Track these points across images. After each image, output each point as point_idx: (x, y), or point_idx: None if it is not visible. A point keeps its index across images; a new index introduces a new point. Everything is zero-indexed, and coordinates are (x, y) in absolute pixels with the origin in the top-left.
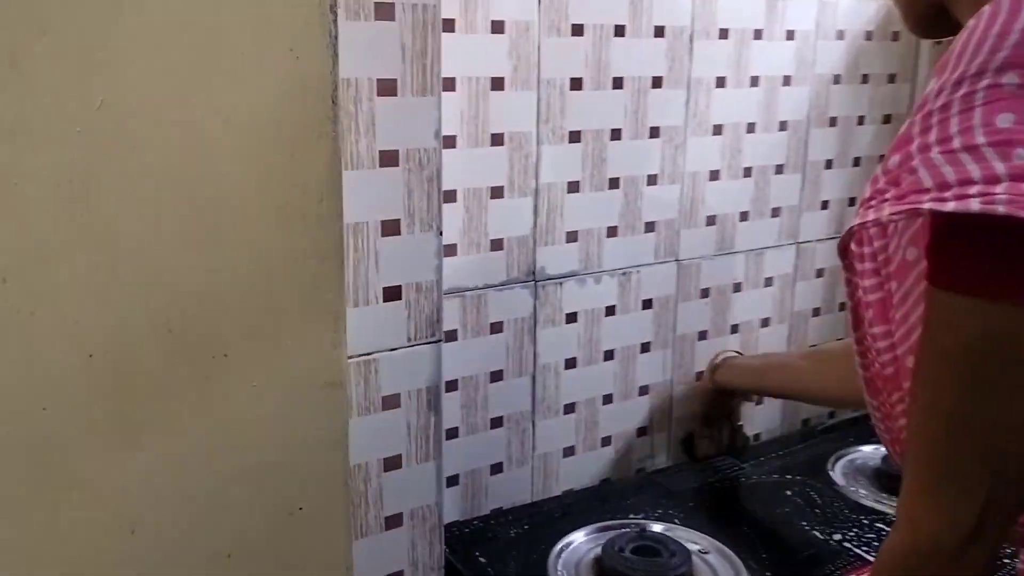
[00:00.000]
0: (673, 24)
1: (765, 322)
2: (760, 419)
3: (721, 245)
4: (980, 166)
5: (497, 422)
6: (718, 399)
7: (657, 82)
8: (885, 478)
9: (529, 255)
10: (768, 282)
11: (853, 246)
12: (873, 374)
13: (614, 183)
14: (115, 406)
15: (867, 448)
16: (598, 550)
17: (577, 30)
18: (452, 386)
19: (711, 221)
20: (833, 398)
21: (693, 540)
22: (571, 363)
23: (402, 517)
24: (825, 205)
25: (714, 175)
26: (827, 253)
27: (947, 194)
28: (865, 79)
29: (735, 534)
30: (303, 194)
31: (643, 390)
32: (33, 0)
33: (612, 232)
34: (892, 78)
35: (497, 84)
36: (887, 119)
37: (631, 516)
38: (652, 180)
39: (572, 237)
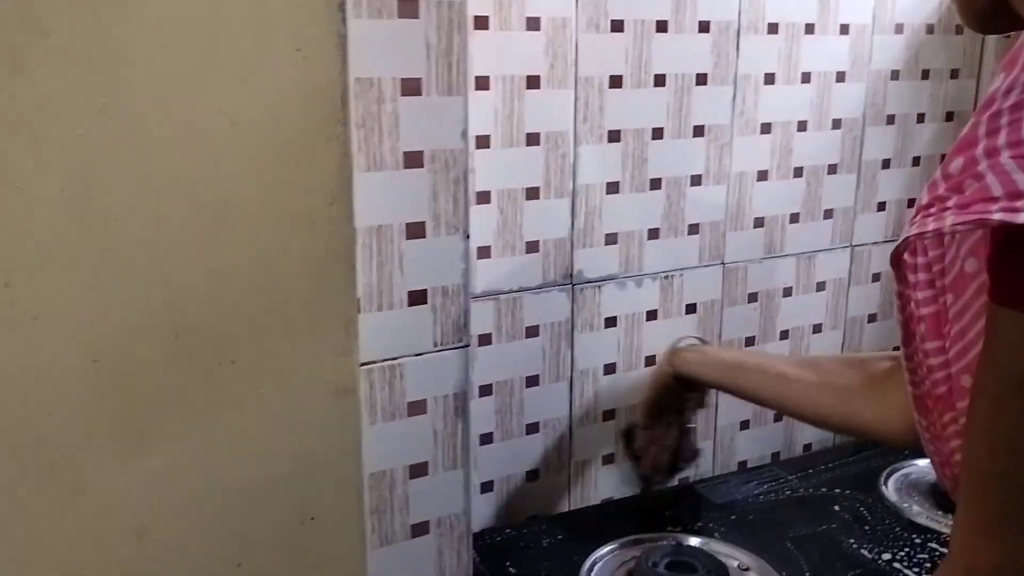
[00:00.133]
0: (719, 19)
1: (817, 328)
2: (811, 429)
3: (770, 248)
4: None
5: (533, 428)
6: (672, 390)
7: (702, 79)
8: (940, 495)
9: (566, 257)
10: (820, 287)
11: (907, 256)
12: (923, 392)
13: (656, 184)
14: (121, 411)
15: (922, 462)
16: (631, 564)
17: (617, 26)
18: (486, 391)
19: (759, 223)
20: (823, 418)
21: (732, 556)
22: (610, 368)
23: (428, 525)
24: (882, 207)
25: (762, 175)
26: (884, 256)
27: (1019, 203)
28: (926, 75)
29: (777, 551)
30: (312, 197)
31: None
32: (34, 1)
33: (654, 234)
34: (955, 74)
35: (533, 82)
36: (949, 116)
37: (669, 528)
38: (696, 181)
39: (611, 239)
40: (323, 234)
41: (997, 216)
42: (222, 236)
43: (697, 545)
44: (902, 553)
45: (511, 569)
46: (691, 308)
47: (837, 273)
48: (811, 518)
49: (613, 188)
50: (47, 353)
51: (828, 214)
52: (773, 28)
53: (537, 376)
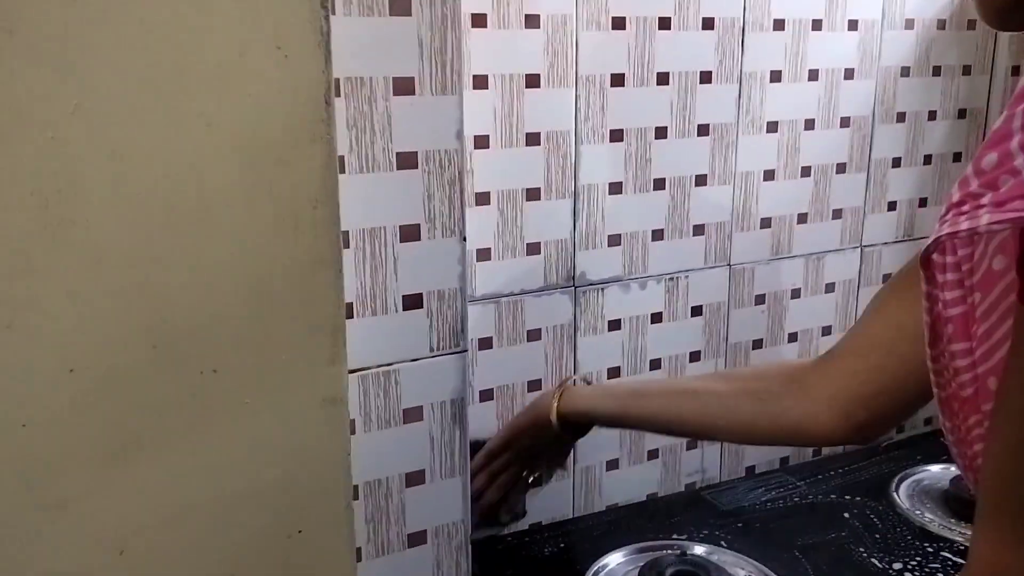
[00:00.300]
0: (723, 15)
1: (826, 330)
2: None
3: (777, 249)
4: None
5: None
6: (543, 433)
7: (706, 77)
8: (954, 501)
9: (568, 260)
10: (829, 288)
11: (935, 255)
12: (949, 394)
13: (659, 184)
14: (98, 423)
15: (936, 467)
16: (635, 573)
17: (618, 23)
18: (487, 395)
19: (766, 224)
20: (746, 429)
21: (739, 565)
22: (614, 372)
23: (426, 534)
24: (892, 206)
25: (769, 175)
26: (894, 257)
27: None
28: (937, 71)
29: (785, 560)
30: (296, 200)
31: None
32: None
33: (658, 235)
34: (967, 70)
35: (532, 81)
36: (961, 114)
37: (675, 536)
38: (701, 181)
39: (615, 241)
40: (307, 238)
41: None
42: (201, 242)
43: (703, 554)
44: (913, 563)
45: None
46: (697, 310)
47: (847, 274)
48: (820, 526)
49: (616, 188)
50: (21, 363)
51: (837, 214)
52: (779, 24)
53: (539, 380)
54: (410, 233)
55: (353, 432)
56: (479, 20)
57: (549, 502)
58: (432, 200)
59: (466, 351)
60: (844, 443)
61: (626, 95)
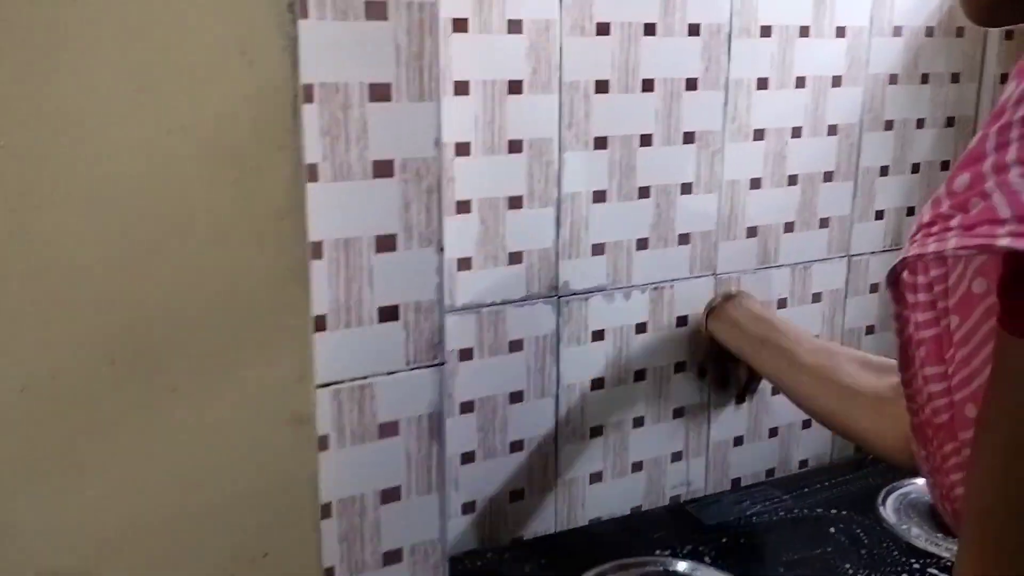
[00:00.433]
0: (709, 21)
1: None
2: (808, 444)
3: (764, 258)
4: None
5: (517, 446)
6: (716, 351)
7: (692, 84)
8: (941, 516)
9: (551, 269)
10: (816, 298)
11: (906, 275)
12: (923, 421)
13: (644, 192)
14: (52, 443)
15: (922, 481)
16: None
17: (603, 29)
18: (468, 408)
19: (752, 233)
20: (826, 416)
21: None
22: (598, 383)
23: (402, 553)
24: (880, 215)
25: (755, 183)
26: (882, 266)
27: None
28: (925, 79)
29: None
30: (261, 212)
31: (677, 412)
32: None
33: (643, 244)
34: (956, 78)
35: (515, 87)
36: (950, 122)
37: (657, 552)
38: (687, 189)
39: (599, 250)
40: (274, 251)
41: (1004, 241)
42: (162, 254)
43: (686, 571)
44: None
45: None
46: (682, 320)
47: (834, 284)
48: (805, 541)
49: (600, 197)
50: None
51: (824, 223)
52: (766, 31)
53: (521, 392)
54: (386, 243)
55: (326, 448)
56: (460, 25)
57: (531, 517)
58: (409, 210)
59: (444, 364)
60: (904, 467)
61: (610, 102)
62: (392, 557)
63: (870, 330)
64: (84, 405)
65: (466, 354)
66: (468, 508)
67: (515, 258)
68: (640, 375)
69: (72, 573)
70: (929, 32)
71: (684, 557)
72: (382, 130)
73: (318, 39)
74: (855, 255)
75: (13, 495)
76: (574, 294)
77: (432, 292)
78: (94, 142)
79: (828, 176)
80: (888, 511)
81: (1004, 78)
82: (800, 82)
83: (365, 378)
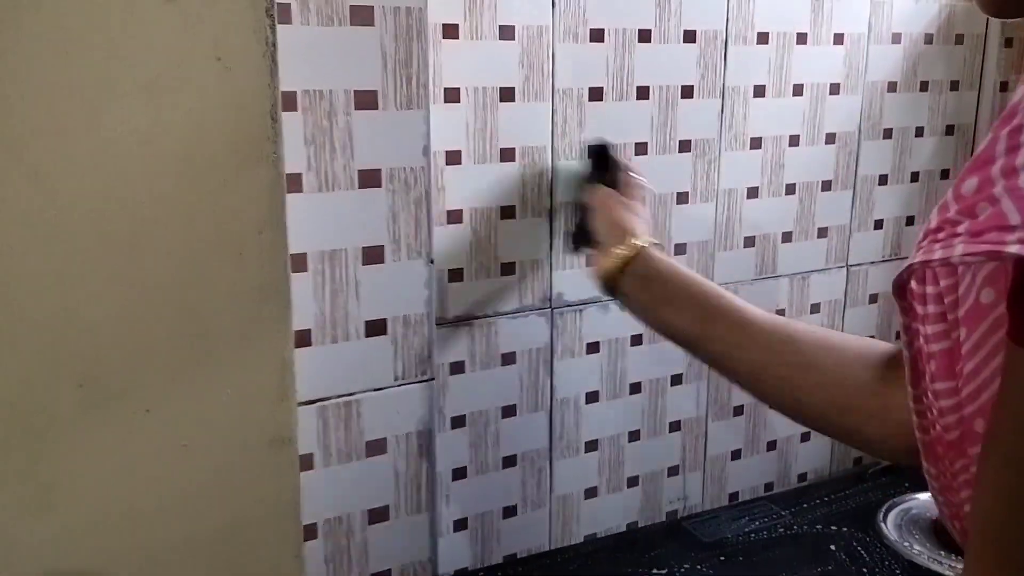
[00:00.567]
0: (705, 28)
1: None
2: (807, 457)
3: (762, 268)
4: None
5: (510, 461)
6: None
7: (687, 91)
8: (944, 533)
9: (545, 280)
10: (815, 308)
11: (914, 284)
12: (933, 438)
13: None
14: (19, 467)
15: (924, 496)
16: None
17: (596, 35)
18: (459, 422)
19: (750, 242)
20: (825, 428)
21: None
22: (592, 397)
23: (390, 574)
24: (879, 224)
25: (752, 192)
26: (880, 277)
27: None
28: (924, 87)
29: None
30: (239, 224)
31: (674, 426)
32: None
33: None
34: (955, 85)
35: (507, 95)
36: (949, 130)
37: (655, 570)
38: (683, 198)
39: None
40: (252, 265)
41: (1013, 248)
42: (133, 271)
43: None
44: None
45: None
46: None
47: (832, 294)
48: (805, 559)
49: None
50: None
51: (822, 232)
52: (763, 38)
53: (514, 406)
54: (373, 255)
55: (311, 467)
56: (450, 31)
57: (525, 533)
58: (397, 220)
59: (433, 379)
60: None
61: (605, 110)
62: None
63: None
64: (50, 431)
65: (458, 367)
66: (460, 525)
67: (508, 269)
68: (635, 388)
69: None
70: (928, 39)
71: (682, 575)
72: (369, 139)
73: (301, 45)
74: (854, 265)
75: None
76: (568, 305)
77: (421, 305)
78: (57, 154)
79: (826, 185)
80: (889, 527)
81: (1004, 86)
82: (798, 90)
83: (351, 394)
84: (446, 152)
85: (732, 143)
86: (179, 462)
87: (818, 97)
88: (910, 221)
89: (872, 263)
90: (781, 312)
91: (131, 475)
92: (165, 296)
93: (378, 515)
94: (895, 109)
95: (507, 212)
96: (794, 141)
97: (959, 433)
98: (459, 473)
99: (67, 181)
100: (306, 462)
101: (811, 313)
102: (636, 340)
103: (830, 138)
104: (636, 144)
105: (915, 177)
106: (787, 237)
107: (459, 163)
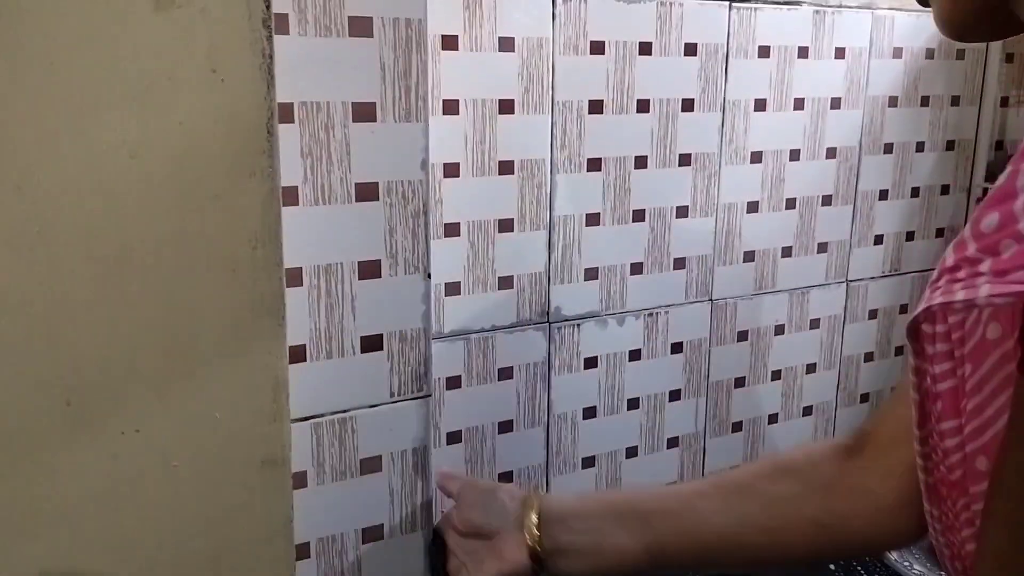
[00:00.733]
0: (706, 41)
1: (811, 368)
2: None
3: (761, 283)
4: None
5: (507, 477)
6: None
7: (688, 105)
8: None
9: (543, 294)
10: (814, 324)
11: (924, 326)
12: (937, 480)
13: (639, 215)
14: (6, 487)
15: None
16: None
17: (597, 48)
18: (455, 438)
19: (749, 257)
20: (782, 553)
21: None
22: (590, 412)
23: None
24: (879, 240)
25: (752, 207)
26: (880, 292)
27: None
28: (925, 102)
29: None
30: (233, 240)
31: (672, 442)
32: None
33: (637, 269)
34: (956, 100)
35: (506, 107)
36: (950, 145)
37: None
38: (682, 212)
39: (591, 274)
40: (246, 282)
41: None
42: (123, 288)
43: None
44: None
45: None
46: (677, 347)
47: (832, 310)
48: None
49: (593, 220)
50: None
51: (822, 248)
52: (764, 51)
53: (511, 421)
54: (370, 270)
55: (304, 484)
56: (450, 42)
57: None
58: (394, 234)
59: (429, 396)
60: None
61: (604, 122)
62: None
63: (868, 357)
64: (36, 450)
65: (454, 382)
66: None
67: (505, 283)
68: (633, 403)
69: None
70: (929, 54)
71: None
72: (366, 151)
73: (298, 56)
74: (854, 281)
75: None
76: (566, 320)
77: (418, 320)
78: (43, 166)
79: (827, 200)
80: None
81: (1005, 101)
82: (798, 104)
83: (346, 411)
84: (444, 164)
85: (732, 157)
86: (169, 483)
87: (819, 111)
88: (910, 236)
89: (872, 278)
90: (781, 327)
91: (120, 496)
92: (155, 312)
93: (372, 534)
94: (896, 124)
95: (505, 225)
96: (794, 155)
97: (962, 472)
98: None
99: (53, 194)
100: (299, 480)
101: (810, 329)
102: (634, 355)
103: (830, 153)
104: (636, 157)
105: (915, 192)
106: (787, 252)
107: (457, 176)
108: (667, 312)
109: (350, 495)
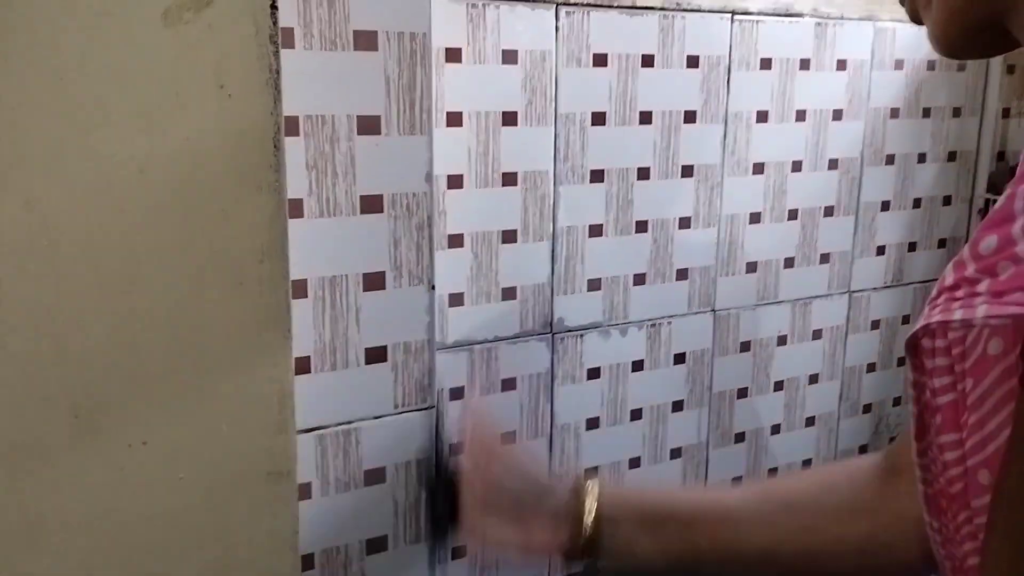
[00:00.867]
0: (708, 53)
1: (814, 378)
2: None
3: (763, 294)
4: None
5: None
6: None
7: (690, 116)
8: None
9: (546, 305)
10: (817, 335)
11: (924, 341)
12: (936, 491)
13: (641, 227)
14: (12, 499)
15: None
16: None
17: (600, 60)
18: (459, 448)
19: (752, 268)
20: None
21: None
22: (593, 423)
23: None
24: (881, 251)
25: (755, 218)
26: (883, 303)
27: None
28: (927, 113)
29: None
30: (240, 254)
31: (675, 453)
32: None
33: (640, 280)
34: (958, 112)
35: (510, 119)
36: (951, 156)
37: None
38: (685, 223)
39: (594, 285)
40: (253, 296)
41: None
42: (129, 300)
43: None
44: None
45: None
46: (680, 358)
47: (834, 320)
48: None
49: (596, 231)
50: None
51: (825, 258)
52: (766, 63)
53: (514, 432)
54: (374, 281)
55: (308, 496)
56: (453, 55)
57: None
58: (399, 246)
59: (434, 407)
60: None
61: (607, 134)
62: None
63: (871, 368)
64: (42, 462)
65: (457, 393)
66: (458, 553)
67: (508, 294)
68: (636, 414)
69: None
70: (931, 66)
71: None
72: (371, 164)
73: (304, 70)
74: (856, 291)
75: None
76: (569, 331)
77: (422, 332)
78: (51, 181)
79: (829, 211)
80: None
81: (1006, 112)
82: (800, 115)
83: (351, 423)
84: (448, 176)
85: (735, 168)
86: (176, 494)
87: (821, 123)
88: (912, 247)
89: (874, 289)
90: (783, 338)
91: (126, 508)
92: (162, 325)
93: (376, 545)
94: (897, 135)
95: (508, 236)
96: (796, 167)
97: (963, 485)
98: None
99: (61, 209)
100: (304, 491)
101: (813, 340)
102: (637, 366)
103: (832, 164)
104: (639, 169)
105: (917, 203)
106: (789, 263)
107: (461, 187)
108: (670, 323)
109: (354, 506)
